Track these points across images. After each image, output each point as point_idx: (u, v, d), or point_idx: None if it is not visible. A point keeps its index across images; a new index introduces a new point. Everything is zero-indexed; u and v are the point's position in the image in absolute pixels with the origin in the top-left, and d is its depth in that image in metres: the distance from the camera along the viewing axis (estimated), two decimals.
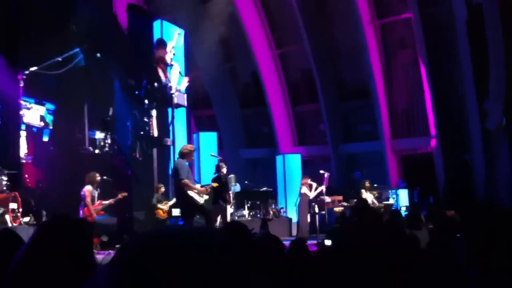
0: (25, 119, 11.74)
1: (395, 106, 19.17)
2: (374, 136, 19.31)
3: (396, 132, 19.04)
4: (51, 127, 12.86)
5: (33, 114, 12.33)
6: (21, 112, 11.37)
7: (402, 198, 16.01)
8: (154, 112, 14.36)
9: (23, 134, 11.67)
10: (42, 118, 12.61)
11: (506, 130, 12.97)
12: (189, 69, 18.37)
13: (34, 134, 12.42)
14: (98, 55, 11.74)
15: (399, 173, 18.77)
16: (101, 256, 7.42)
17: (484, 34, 13.26)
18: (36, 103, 12.49)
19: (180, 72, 15.04)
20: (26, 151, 11.84)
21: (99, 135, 13.44)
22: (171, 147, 14.54)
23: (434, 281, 2.04)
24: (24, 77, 10.93)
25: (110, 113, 13.49)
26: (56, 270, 1.68)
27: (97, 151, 13.19)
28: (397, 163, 19.01)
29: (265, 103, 21.08)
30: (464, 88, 15.57)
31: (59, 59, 11.49)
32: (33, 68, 11.07)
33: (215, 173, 10.95)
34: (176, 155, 14.14)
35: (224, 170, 10.87)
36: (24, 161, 11.60)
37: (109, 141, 13.26)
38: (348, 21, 19.21)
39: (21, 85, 10.93)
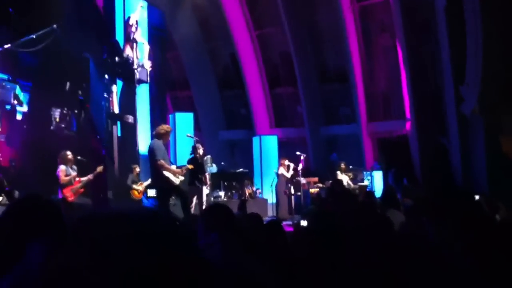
0: None
1: (372, 89, 19.24)
2: (351, 119, 19.41)
3: (373, 115, 19.14)
4: (25, 105, 12.60)
5: (6, 92, 12.05)
6: None
7: (377, 180, 16.16)
8: (114, 88, 13.97)
9: None
10: (16, 96, 12.34)
11: (481, 115, 13.14)
12: (167, 49, 18.15)
13: (7, 112, 12.16)
14: (55, 26, 11.38)
15: (375, 156, 18.92)
16: None
17: (463, 19, 13.33)
18: (10, 80, 12.21)
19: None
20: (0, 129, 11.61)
21: (54, 111, 13.09)
22: (135, 125, 14.24)
23: (410, 261, 2.05)
24: None
25: (67, 88, 13.06)
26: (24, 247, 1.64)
27: (51, 127, 12.88)
28: (373, 146, 19.15)
29: (243, 84, 20.99)
30: (442, 72, 15.69)
31: (33, 36, 11.22)
32: (7, 46, 10.81)
33: (191, 154, 10.90)
34: (138, 133, 13.91)
35: (201, 152, 10.84)
36: None
37: (68, 118, 12.98)
38: (328, 3, 19.13)
39: None
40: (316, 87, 20.24)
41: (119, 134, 14.04)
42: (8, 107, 12.10)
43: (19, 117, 12.57)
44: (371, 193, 8.84)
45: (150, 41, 15.35)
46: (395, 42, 18.07)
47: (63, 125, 13.13)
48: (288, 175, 14.08)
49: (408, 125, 17.74)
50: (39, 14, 11.85)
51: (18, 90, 12.38)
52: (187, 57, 21.09)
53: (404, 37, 16.77)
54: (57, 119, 13.01)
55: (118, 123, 14.05)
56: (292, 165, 14.12)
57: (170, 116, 17.15)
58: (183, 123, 15.91)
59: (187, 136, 11.95)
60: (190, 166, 10.02)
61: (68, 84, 12.94)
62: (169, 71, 19.31)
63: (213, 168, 15.34)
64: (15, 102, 12.24)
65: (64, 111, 13.13)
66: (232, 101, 22.22)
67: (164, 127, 9.44)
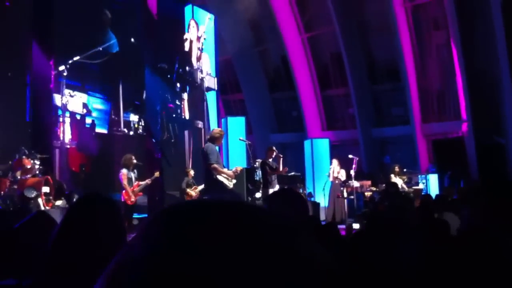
0: (69, 107, 12.07)
1: (426, 89, 18.85)
2: (405, 120, 19.06)
3: (427, 116, 18.75)
4: (93, 114, 13.27)
5: (76, 101, 12.67)
6: (64, 100, 11.66)
7: (432, 183, 15.79)
8: (185, 95, 14.65)
9: (67, 120, 12.00)
10: (85, 105, 12.98)
11: None
12: (219, 53, 18.44)
13: (77, 120, 12.78)
14: (132, 40, 11.98)
15: (430, 158, 18.51)
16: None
17: None
18: (79, 90, 12.85)
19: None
20: (70, 136, 12.17)
21: (133, 117, 13.87)
22: (204, 130, 14.87)
23: (468, 262, 2.01)
24: (68, 66, 11.19)
25: (144, 96, 13.84)
26: (89, 245, 1.73)
27: (131, 133, 13.57)
28: (428, 148, 18.74)
29: (294, 87, 20.99)
30: (498, 70, 15.24)
31: (100, 48, 11.74)
32: (76, 58, 11.30)
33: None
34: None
35: (273, 154, 11.19)
36: (68, 146, 11.92)
37: (143, 123, 13.67)
38: (379, 2, 18.91)
39: (65, 74, 11.20)
40: (368, 88, 20.01)
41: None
42: (78, 116, 12.70)
43: (88, 123, 13.22)
44: (428, 196, 8.68)
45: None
46: (449, 40, 17.66)
47: (125, 130, 13.77)
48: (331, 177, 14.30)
49: (464, 126, 17.28)
50: (98, 24, 12.41)
51: (87, 100, 13.00)
52: (238, 61, 21.28)
53: (459, 34, 16.36)
54: (137, 125, 13.75)
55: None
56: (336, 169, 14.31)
57: (223, 120, 17.39)
58: (235, 127, 16.08)
59: (240, 139, 12.08)
60: (240, 168, 10.08)
61: (145, 93, 13.65)
62: (220, 75, 19.53)
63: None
64: (85, 110, 12.85)
65: (136, 116, 13.87)
66: (283, 104, 22.25)
67: (218, 131, 9.58)
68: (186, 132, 14.64)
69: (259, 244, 0.56)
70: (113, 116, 13.82)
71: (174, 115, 14.57)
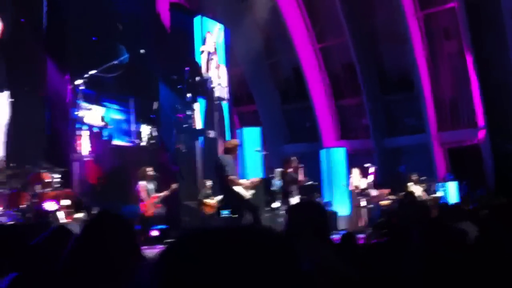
0: (86, 120, 12.24)
1: (440, 98, 18.77)
2: (419, 129, 18.97)
3: (442, 124, 18.65)
4: (110, 126, 13.45)
5: (94, 114, 12.86)
6: (81, 113, 11.81)
7: (451, 191, 15.64)
8: (196, 105, 14.77)
9: (85, 134, 12.17)
10: (102, 118, 13.20)
11: None
12: (231, 65, 18.56)
13: (94, 133, 12.98)
14: (142, 51, 12.09)
15: (447, 166, 18.38)
16: (149, 251, 7.58)
17: None
18: (96, 103, 13.06)
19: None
20: (89, 149, 12.33)
21: (144, 128, 13.96)
22: (216, 140, 14.96)
23: (484, 272, 2.03)
24: (85, 80, 11.36)
25: (155, 107, 13.93)
26: (101, 264, 1.77)
27: (143, 143, 13.69)
28: (444, 156, 18.61)
29: (307, 97, 21.00)
30: None
31: (116, 62, 11.91)
32: (92, 72, 11.45)
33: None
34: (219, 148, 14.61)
35: (292, 165, 11.18)
36: (87, 159, 12.08)
37: (155, 133, 13.79)
38: (390, 12, 18.92)
39: (81, 87, 11.37)
40: (382, 97, 19.98)
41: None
42: (95, 129, 12.88)
43: (105, 136, 13.39)
44: (446, 205, 8.63)
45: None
46: (462, 48, 17.60)
47: (137, 140, 13.91)
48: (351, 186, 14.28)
49: (480, 134, 17.16)
50: (111, 36, 12.57)
51: (104, 112, 13.18)
52: (251, 72, 21.36)
53: (472, 42, 16.32)
54: (149, 136, 13.95)
55: (201, 138, 14.91)
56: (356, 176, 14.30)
57: (238, 131, 17.41)
58: (251, 138, 16.10)
59: (256, 150, 12.11)
60: (257, 179, 10.07)
61: (155, 104, 13.79)
62: (233, 86, 19.65)
63: (279, 183, 15.39)
64: (102, 123, 13.03)
65: (148, 126, 14.04)
66: (296, 114, 22.24)
67: (232, 142, 9.64)
68: (197, 142, 14.72)
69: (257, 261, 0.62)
70: (124, 127, 14.02)
71: (184, 125, 14.65)
